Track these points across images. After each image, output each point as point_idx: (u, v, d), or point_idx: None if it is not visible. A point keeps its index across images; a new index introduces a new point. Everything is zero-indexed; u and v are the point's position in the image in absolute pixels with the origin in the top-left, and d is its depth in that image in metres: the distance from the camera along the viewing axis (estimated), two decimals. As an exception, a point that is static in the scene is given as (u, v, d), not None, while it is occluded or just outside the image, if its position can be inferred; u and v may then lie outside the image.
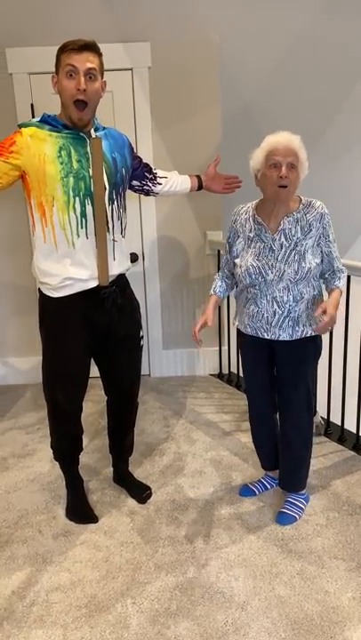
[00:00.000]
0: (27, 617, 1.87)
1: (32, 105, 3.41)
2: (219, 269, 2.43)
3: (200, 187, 2.53)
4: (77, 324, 2.13)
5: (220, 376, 3.92)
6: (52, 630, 1.81)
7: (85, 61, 1.91)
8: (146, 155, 3.52)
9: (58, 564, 2.12)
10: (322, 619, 1.82)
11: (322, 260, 2.10)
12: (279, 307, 2.11)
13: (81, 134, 2.01)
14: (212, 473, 2.68)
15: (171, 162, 3.57)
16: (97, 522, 2.34)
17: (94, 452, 2.90)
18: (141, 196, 3.54)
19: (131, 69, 3.40)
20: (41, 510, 2.44)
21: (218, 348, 3.92)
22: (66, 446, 2.36)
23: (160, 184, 2.39)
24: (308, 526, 2.27)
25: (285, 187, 1.99)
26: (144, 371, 3.96)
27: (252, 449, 2.59)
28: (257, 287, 2.14)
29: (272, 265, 2.08)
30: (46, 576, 2.05)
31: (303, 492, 2.37)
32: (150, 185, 2.35)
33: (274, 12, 3.53)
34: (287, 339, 2.14)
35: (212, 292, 2.32)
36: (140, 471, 2.71)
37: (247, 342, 2.27)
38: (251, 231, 2.15)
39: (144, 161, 2.33)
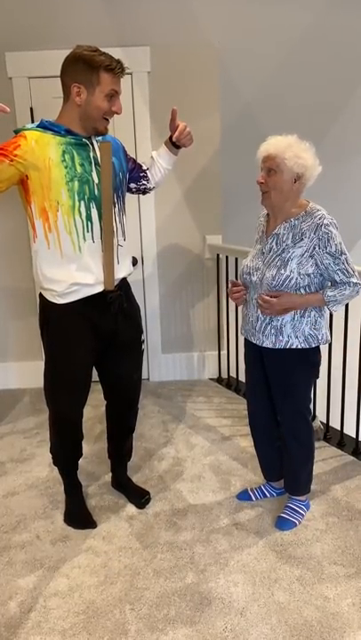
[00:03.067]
0: (24, 623, 1.86)
1: (31, 109, 3.41)
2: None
3: (176, 147, 2.30)
4: (82, 329, 2.11)
5: (219, 380, 3.91)
6: (49, 637, 1.80)
7: (121, 84, 1.98)
8: (145, 159, 3.52)
9: (56, 569, 2.10)
10: (321, 625, 1.81)
11: (320, 273, 2.03)
12: (262, 312, 2.10)
13: (84, 140, 2.01)
14: (212, 478, 2.67)
15: (170, 166, 3.57)
16: (95, 527, 2.33)
17: (93, 457, 2.89)
18: (140, 198, 3.55)
19: (130, 74, 3.39)
20: (39, 515, 2.43)
21: (217, 352, 3.91)
22: (66, 452, 2.35)
23: (151, 176, 2.34)
24: (308, 532, 2.26)
25: (265, 192, 2.02)
26: (143, 375, 3.96)
27: (252, 454, 2.58)
28: (248, 290, 2.17)
29: (258, 267, 2.10)
30: (44, 582, 2.04)
31: (304, 498, 2.35)
32: (145, 183, 2.34)
33: (274, 15, 3.55)
34: (270, 346, 2.11)
35: None
36: (138, 476, 2.70)
37: (246, 346, 2.28)
38: (258, 233, 2.21)
39: (137, 161, 2.33)
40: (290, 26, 3.61)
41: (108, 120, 2.02)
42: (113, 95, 1.96)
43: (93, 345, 2.16)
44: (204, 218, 3.70)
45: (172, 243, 3.72)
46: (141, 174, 2.32)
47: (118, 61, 1.94)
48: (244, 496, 2.49)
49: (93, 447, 2.99)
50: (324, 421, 3.04)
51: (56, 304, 2.08)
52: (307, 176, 2.00)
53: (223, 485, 2.60)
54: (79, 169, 1.97)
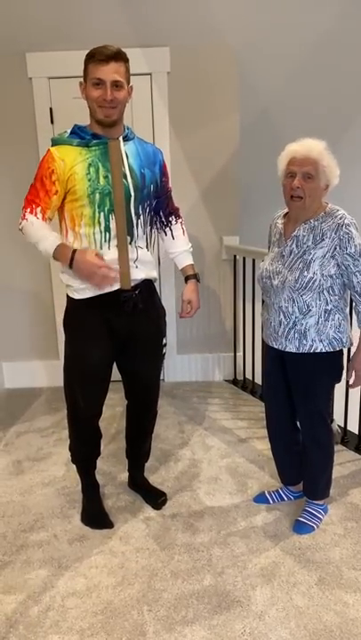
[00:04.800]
0: (42, 622, 1.86)
1: (51, 109, 3.43)
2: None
3: (185, 278, 2.38)
4: (97, 325, 2.12)
5: (234, 382, 3.90)
6: (67, 636, 1.80)
7: (112, 72, 1.91)
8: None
9: (73, 569, 2.11)
10: (341, 630, 1.79)
11: (341, 275, 2.01)
12: (285, 317, 2.07)
13: (108, 141, 2.00)
14: (228, 480, 2.66)
15: (188, 167, 3.58)
16: (112, 527, 2.33)
17: (110, 457, 2.89)
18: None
19: (150, 74, 3.40)
20: (56, 514, 2.44)
21: (233, 354, 3.90)
22: (83, 450, 2.36)
23: (165, 238, 2.35)
24: (326, 536, 2.24)
25: (300, 197, 1.96)
26: (159, 376, 3.97)
27: (269, 457, 2.56)
28: (268, 294, 2.13)
29: (279, 271, 2.06)
30: (62, 581, 2.04)
31: (322, 502, 2.34)
32: (161, 230, 2.32)
33: (293, 17, 3.53)
34: (294, 351, 2.09)
35: None
36: (155, 477, 2.70)
37: (266, 351, 2.26)
38: (274, 236, 2.15)
39: (171, 205, 2.33)
40: (308, 28, 3.60)
41: (107, 108, 1.95)
42: (98, 83, 1.92)
43: (109, 341, 2.16)
44: (221, 219, 3.69)
45: (190, 243, 3.70)
46: (165, 221, 2.32)
47: (103, 48, 1.90)
48: (261, 499, 2.48)
49: (110, 447, 2.99)
50: (342, 425, 3.02)
51: (74, 299, 2.12)
52: (333, 184, 1.99)
53: (240, 488, 2.59)
54: (102, 181, 1.99)
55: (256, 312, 3.38)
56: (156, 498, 2.49)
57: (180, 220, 2.38)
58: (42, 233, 1.97)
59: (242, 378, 3.88)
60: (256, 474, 2.70)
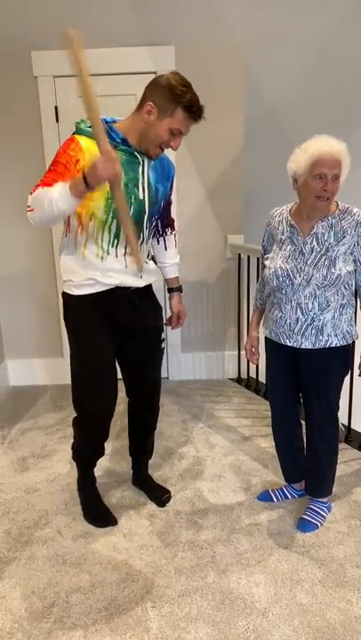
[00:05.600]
0: (47, 618, 1.87)
1: (56, 107, 3.43)
2: (258, 279, 2.42)
3: (169, 289, 2.47)
4: (99, 319, 2.12)
5: (238, 380, 3.90)
6: (72, 632, 1.81)
7: (189, 128, 1.97)
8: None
9: (78, 565, 2.12)
10: (345, 628, 1.80)
11: (355, 270, 2.06)
12: (303, 314, 2.08)
13: (136, 154, 1.98)
14: (232, 478, 2.67)
15: (193, 166, 3.58)
16: (116, 524, 2.34)
17: (114, 455, 2.90)
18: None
19: (155, 72, 3.40)
20: (60, 511, 2.45)
21: (237, 353, 3.91)
22: (89, 451, 2.35)
23: (157, 247, 2.36)
24: (330, 534, 2.24)
25: (327, 198, 1.96)
26: (162, 374, 3.97)
27: (273, 455, 2.57)
28: (283, 291, 2.11)
29: (301, 268, 2.06)
30: (66, 577, 2.05)
31: (326, 500, 2.34)
32: (155, 234, 2.31)
33: (299, 17, 3.53)
34: (310, 347, 2.10)
35: (254, 306, 2.35)
36: (159, 474, 2.71)
37: (271, 348, 2.26)
38: (283, 234, 2.13)
39: (169, 218, 2.34)
40: (316, 25, 3.59)
41: (162, 149, 2.00)
42: (176, 134, 1.94)
43: (110, 333, 2.15)
44: (225, 218, 3.69)
45: (194, 242, 3.72)
46: (161, 230, 2.33)
47: (200, 107, 1.92)
48: (264, 497, 2.48)
49: (115, 444, 3.00)
50: (346, 423, 3.02)
51: (72, 295, 2.10)
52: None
53: (244, 486, 2.60)
54: (122, 189, 1.95)
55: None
56: (160, 495, 2.50)
57: (174, 232, 2.40)
58: (49, 190, 1.83)
59: (246, 376, 3.88)
60: (260, 472, 2.71)
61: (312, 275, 2.03)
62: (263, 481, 2.63)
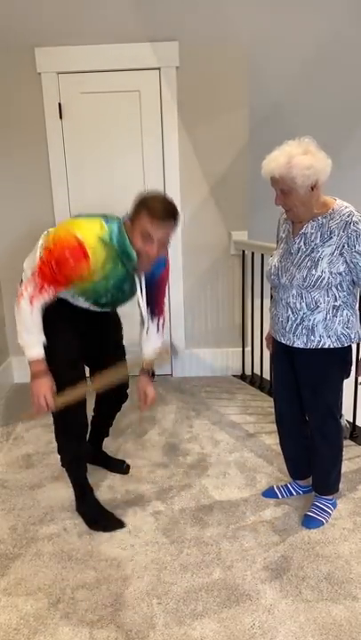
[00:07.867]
0: (53, 614, 1.87)
1: (60, 104, 3.42)
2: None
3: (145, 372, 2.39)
4: (68, 313, 2.21)
5: (242, 377, 3.90)
6: (78, 628, 1.82)
7: (164, 234, 1.92)
8: (172, 154, 3.53)
9: (83, 561, 2.12)
10: (350, 624, 1.79)
11: (350, 271, 1.99)
12: (293, 313, 2.06)
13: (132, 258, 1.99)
14: (237, 474, 2.67)
15: (197, 162, 3.57)
16: (124, 527, 2.30)
17: (116, 453, 2.90)
18: (166, 191, 3.55)
19: (158, 69, 3.40)
20: (66, 508, 2.45)
21: (241, 349, 3.90)
22: (74, 445, 2.30)
23: (144, 328, 2.30)
24: (335, 530, 2.24)
25: (288, 209, 1.97)
26: (167, 370, 3.98)
27: (278, 451, 2.56)
28: (276, 290, 2.13)
29: (287, 268, 2.05)
30: (72, 573, 2.06)
31: (331, 497, 2.34)
32: (144, 317, 2.26)
33: (303, 14, 3.51)
34: (302, 347, 2.08)
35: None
36: (163, 472, 2.71)
37: (274, 345, 2.26)
38: (283, 232, 2.14)
39: (160, 306, 2.32)
40: (319, 24, 3.57)
41: (146, 261, 1.98)
42: (147, 237, 1.91)
43: (81, 328, 2.26)
44: (229, 214, 3.68)
45: (198, 239, 3.71)
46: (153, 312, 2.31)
47: (166, 210, 1.88)
48: (269, 493, 2.48)
49: (115, 443, 3.00)
50: (351, 420, 3.01)
51: None
52: (322, 179, 1.91)
53: (249, 482, 2.60)
54: (116, 291, 2.12)
55: (265, 307, 3.37)
56: (120, 465, 2.70)
57: (161, 318, 2.34)
58: (35, 330, 2.09)
59: (250, 373, 3.87)
60: (265, 468, 2.71)
61: (294, 275, 2.02)
62: (268, 477, 2.63)
